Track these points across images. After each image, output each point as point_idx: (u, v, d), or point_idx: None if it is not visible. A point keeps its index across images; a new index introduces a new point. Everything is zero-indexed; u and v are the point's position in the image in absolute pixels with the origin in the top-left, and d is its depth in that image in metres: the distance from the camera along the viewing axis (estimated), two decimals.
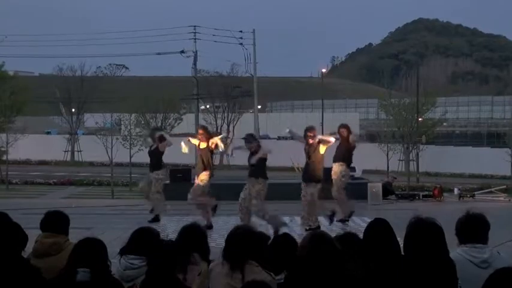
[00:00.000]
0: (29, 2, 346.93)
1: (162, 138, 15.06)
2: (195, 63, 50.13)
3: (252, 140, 12.87)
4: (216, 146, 13.70)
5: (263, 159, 12.58)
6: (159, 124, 37.43)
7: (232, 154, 12.24)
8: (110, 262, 4.34)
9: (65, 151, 46.17)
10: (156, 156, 15.01)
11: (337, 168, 14.00)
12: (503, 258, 4.42)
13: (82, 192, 26.38)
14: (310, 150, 13.18)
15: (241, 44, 49.00)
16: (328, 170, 14.08)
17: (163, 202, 14.97)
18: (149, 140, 15.81)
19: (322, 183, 13.22)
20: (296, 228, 13.67)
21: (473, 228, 4.51)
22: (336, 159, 14.06)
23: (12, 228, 4.48)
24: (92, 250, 4.25)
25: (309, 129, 13.49)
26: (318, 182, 13.00)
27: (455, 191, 25.40)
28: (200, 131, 14.14)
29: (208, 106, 51.96)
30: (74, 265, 4.15)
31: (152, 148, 15.18)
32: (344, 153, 13.99)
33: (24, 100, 38.66)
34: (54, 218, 5.21)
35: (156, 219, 14.46)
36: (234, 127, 46.17)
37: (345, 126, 14.29)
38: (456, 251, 4.44)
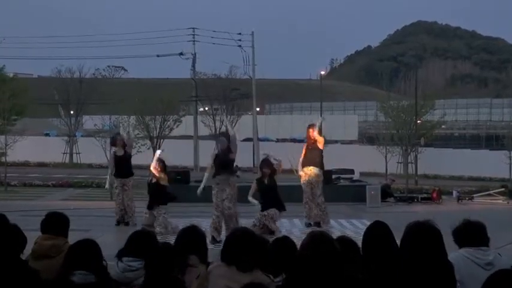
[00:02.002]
0: (28, 3, 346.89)
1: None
2: (193, 65, 50.14)
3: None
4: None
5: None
6: (158, 126, 37.41)
7: None
8: (106, 263, 4.34)
9: (64, 153, 46.14)
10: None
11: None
12: (505, 260, 4.43)
13: (81, 194, 26.33)
14: None
15: (239, 46, 48.96)
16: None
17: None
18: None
19: None
20: (294, 230, 13.67)
21: (473, 235, 4.53)
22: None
23: (11, 230, 4.47)
24: (87, 252, 4.25)
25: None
26: None
27: (454, 193, 25.37)
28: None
29: (206, 108, 51.94)
30: (69, 267, 4.14)
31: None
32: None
33: (25, 103, 38.61)
34: (54, 219, 5.20)
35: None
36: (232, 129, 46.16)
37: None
38: (460, 252, 4.44)
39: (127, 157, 15.27)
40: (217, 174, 12.22)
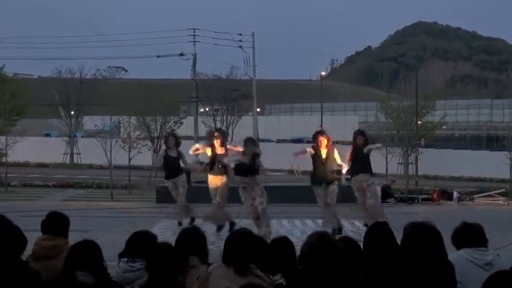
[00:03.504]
0: (28, 3, 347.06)
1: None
2: (194, 66, 50.17)
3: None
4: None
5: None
6: (159, 127, 37.41)
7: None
8: (105, 264, 4.34)
9: (64, 153, 46.15)
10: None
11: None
12: (504, 261, 4.43)
13: (81, 195, 26.35)
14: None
15: (240, 46, 49.07)
16: None
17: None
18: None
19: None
20: (294, 230, 13.67)
21: (471, 237, 4.53)
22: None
23: (11, 230, 4.47)
24: (87, 253, 4.25)
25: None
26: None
27: (455, 194, 25.38)
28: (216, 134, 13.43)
29: (207, 109, 51.98)
30: (70, 268, 4.15)
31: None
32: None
33: (25, 103, 38.63)
34: (54, 219, 5.20)
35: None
36: (233, 130, 46.15)
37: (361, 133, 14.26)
38: (459, 253, 4.44)
39: (179, 157, 14.59)
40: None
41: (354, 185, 13.75)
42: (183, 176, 14.52)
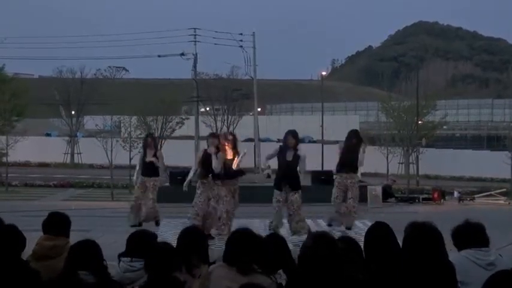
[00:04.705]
0: (28, 3, 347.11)
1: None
2: (195, 66, 50.13)
3: None
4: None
5: None
6: (160, 127, 37.44)
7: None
8: (106, 263, 4.34)
9: (65, 153, 46.19)
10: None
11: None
12: (506, 261, 4.43)
13: (82, 195, 26.37)
14: None
15: (241, 46, 48.94)
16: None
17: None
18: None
19: None
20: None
21: (473, 237, 4.53)
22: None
23: (8, 230, 4.47)
24: (87, 252, 4.25)
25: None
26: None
27: (455, 194, 25.41)
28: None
29: (208, 109, 51.98)
30: (72, 267, 4.15)
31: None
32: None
33: (25, 103, 38.69)
34: (55, 219, 5.21)
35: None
36: (233, 130, 46.22)
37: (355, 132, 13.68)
38: (461, 253, 4.44)
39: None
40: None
41: (337, 179, 12.95)
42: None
